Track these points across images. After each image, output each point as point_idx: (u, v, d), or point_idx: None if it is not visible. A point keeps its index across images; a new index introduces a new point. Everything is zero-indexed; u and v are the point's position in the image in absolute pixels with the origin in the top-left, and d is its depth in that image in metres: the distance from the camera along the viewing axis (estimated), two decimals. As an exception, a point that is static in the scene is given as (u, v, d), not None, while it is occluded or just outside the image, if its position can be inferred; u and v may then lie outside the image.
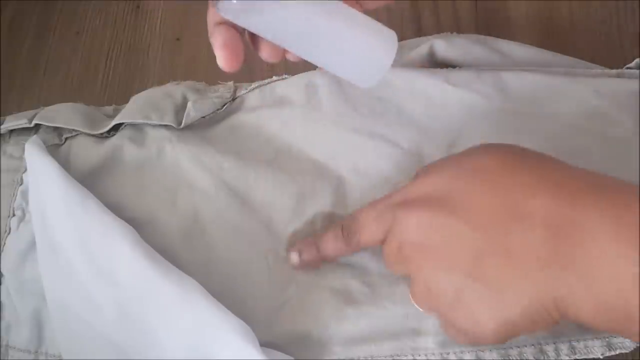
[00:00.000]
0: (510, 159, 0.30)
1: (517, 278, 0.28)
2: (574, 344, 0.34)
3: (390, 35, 0.32)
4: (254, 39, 0.31)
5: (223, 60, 0.29)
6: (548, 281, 0.27)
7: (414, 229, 0.30)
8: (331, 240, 0.35)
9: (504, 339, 0.29)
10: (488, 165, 0.30)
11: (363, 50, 0.31)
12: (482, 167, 0.30)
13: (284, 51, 0.31)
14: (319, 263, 0.37)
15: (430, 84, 0.39)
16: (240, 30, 0.30)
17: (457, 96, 0.39)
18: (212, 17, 0.30)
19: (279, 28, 0.29)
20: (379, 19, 0.48)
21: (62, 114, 0.42)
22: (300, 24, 0.29)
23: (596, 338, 0.34)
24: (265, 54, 0.31)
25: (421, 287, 0.31)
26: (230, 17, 0.28)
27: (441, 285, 0.30)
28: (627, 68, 0.40)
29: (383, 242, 0.33)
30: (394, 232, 0.31)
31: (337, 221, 0.35)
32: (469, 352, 0.34)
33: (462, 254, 0.29)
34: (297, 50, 0.31)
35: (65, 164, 0.40)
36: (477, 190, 0.29)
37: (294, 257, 0.36)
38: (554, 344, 0.34)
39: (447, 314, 0.30)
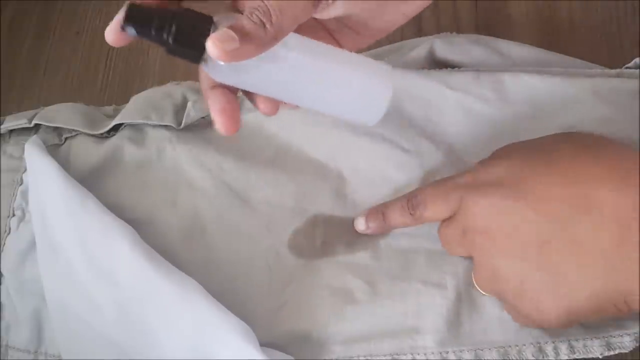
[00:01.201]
0: (582, 150, 0.31)
1: (583, 268, 0.28)
2: (573, 343, 0.34)
3: (385, 68, 0.31)
4: (249, 94, 0.30)
5: (222, 126, 0.29)
6: (612, 273, 0.28)
7: (483, 214, 0.31)
8: (397, 211, 0.35)
9: (567, 324, 0.30)
10: (560, 155, 0.31)
11: (362, 90, 0.31)
12: (555, 156, 0.31)
13: (281, 102, 0.31)
14: (386, 231, 0.37)
15: (428, 87, 0.39)
16: (234, 90, 0.29)
17: (455, 99, 0.39)
18: (205, 80, 0.29)
19: (272, 84, 0.28)
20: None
21: (62, 114, 0.42)
22: (292, 76, 0.28)
23: (595, 337, 0.34)
24: (262, 107, 0.30)
25: (486, 271, 0.32)
26: (220, 79, 0.28)
27: (506, 272, 0.30)
28: (626, 68, 0.40)
29: (446, 220, 0.33)
30: (460, 214, 0.32)
31: (406, 193, 0.36)
32: (468, 352, 0.34)
33: (529, 242, 0.29)
34: (295, 101, 0.30)
35: (65, 164, 0.40)
36: (548, 179, 0.30)
37: (360, 223, 0.37)
38: (553, 343, 0.34)
39: (511, 300, 0.31)
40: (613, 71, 0.40)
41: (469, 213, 0.31)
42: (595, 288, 0.28)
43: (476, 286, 0.34)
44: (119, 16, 0.26)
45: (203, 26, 0.26)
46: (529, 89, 0.39)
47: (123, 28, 0.26)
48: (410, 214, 0.34)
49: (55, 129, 0.42)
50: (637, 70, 0.39)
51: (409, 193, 0.35)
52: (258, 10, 0.26)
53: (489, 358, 0.34)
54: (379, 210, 0.36)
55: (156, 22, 0.25)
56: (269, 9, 0.26)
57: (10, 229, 0.40)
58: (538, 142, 0.33)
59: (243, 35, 0.25)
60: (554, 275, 0.29)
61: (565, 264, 0.29)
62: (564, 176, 0.30)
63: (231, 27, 0.25)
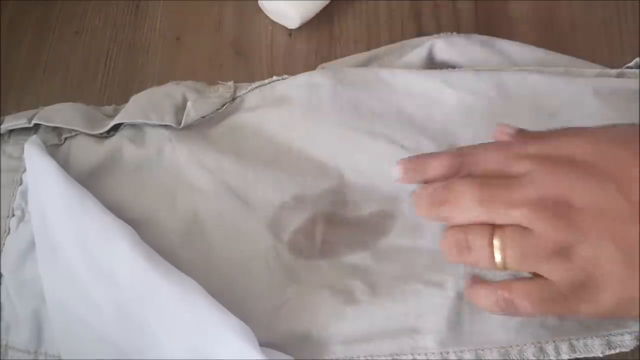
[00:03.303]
0: None
1: None
2: (574, 342, 0.34)
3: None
4: None
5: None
6: None
7: (570, 187, 0.28)
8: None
9: (616, 314, 0.29)
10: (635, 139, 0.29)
11: None
12: (632, 139, 0.29)
13: None
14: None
15: (428, 86, 0.40)
16: None
17: (456, 98, 0.39)
18: None
19: None
20: (378, 18, 0.48)
21: (61, 114, 0.42)
22: None
23: (596, 336, 0.34)
24: None
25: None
26: None
27: (595, 251, 0.28)
28: (627, 68, 0.40)
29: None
30: (535, 181, 0.29)
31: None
32: (468, 352, 0.34)
33: (615, 220, 0.28)
34: None
35: (65, 164, 0.40)
36: (629, 160, 0.28)
37: (396, 172, 0.33)
38: (554, 342, 0.34)
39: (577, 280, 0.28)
40: (614, 71, 0.40)
41: (548, 183, 0.29)
42: None
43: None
44: None
45: None
46: (530, 87, 0.39)
47: None
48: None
49: (55, 129, 0.42)
50: (638, 71, 0.39)
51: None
52: None
53: (489, 358, 0.34)
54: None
55: None
56: None
57: (9, 229, 0.40)
58: (603, 128, 0.30)
59: None
60: (628, 261, 0.27)
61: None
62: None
63: None
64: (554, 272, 0.29)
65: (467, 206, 0.30)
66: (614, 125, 0.30)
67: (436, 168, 0.32)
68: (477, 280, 0.30)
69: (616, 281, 0.28)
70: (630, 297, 0.28)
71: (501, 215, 0.29)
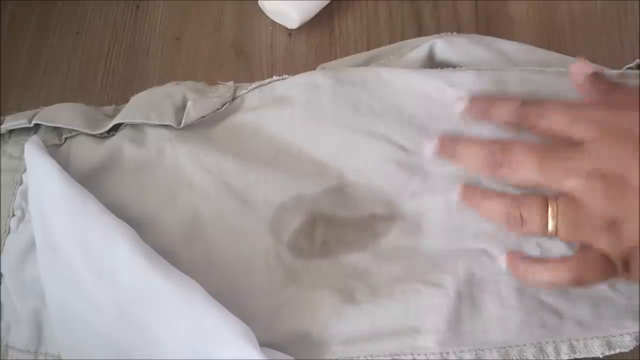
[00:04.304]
0: None
1: None
2: (574, 343, 0.34)
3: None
4: None
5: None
6: None
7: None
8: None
9: None
10: None
11: None
12: None
13: None
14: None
15: (429, 85, 0.39)
16: None
17: (457, 97, 0.39)
18: None
19: None
20: (379, 19, 0.48)
21: (61, 114, 0.42)
22: None
23: (596, 337, 0.34)
24: None
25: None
26: None
27: None
28: (628, 68, 0.40)
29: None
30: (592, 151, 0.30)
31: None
32: (468, 352, 0.34)
33: None
34: None
35: (65, 164, 0.40)
36: None
37: (461, 103, 0.35)
38: (554, 343, 0.34)
39: None
40: (614, 72, 0.40)
41: (604, 156, 0.30)
42: None
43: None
44: None
45: None
46: (530, 87, 0.39)
47: None
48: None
49: (55, 129, 0.42)
50: (638, 71, 0.39)
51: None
52: None
53: (489, 358, 0.34)
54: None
55: None
56: None
57: (10, 229, 0.40)
58: None
59: None
60: None
61: None
62: None
63: None
64: (602, 242, 0.30)
65: (525, 172, 0.31)
66: None
67: (502, 112, 0.33)
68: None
69: None
70: None
71: (557, 182, 0.30)
